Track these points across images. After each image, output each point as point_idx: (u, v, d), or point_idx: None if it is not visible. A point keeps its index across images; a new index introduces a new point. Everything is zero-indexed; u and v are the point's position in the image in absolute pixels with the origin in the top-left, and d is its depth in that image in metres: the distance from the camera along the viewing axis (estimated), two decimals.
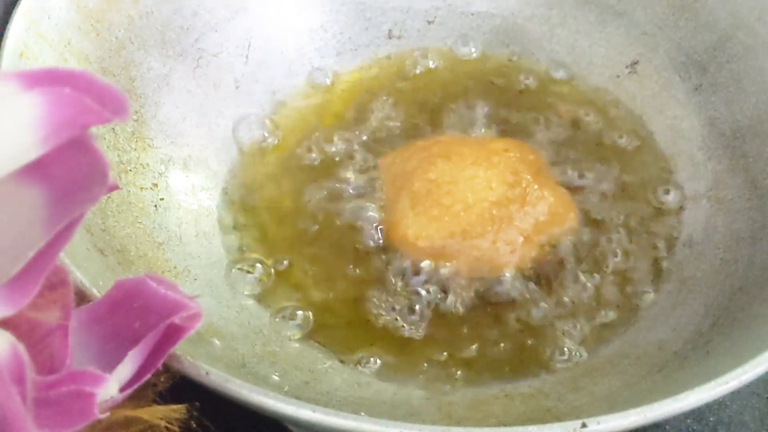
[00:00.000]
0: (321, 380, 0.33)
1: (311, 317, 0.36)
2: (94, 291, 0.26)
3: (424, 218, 0.38)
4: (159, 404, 0.25)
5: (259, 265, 0.38)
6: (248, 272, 0.38)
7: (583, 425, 0.23)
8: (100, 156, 0.21)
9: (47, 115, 0.20)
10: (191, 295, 0.23)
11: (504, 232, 0.37)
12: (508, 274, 0.37)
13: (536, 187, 0.38)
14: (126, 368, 0.24)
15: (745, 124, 0.40)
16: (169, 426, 0.25)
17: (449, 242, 0.37)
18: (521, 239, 0.37)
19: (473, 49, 0.47)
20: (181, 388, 0.25)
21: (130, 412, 0.25)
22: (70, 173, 0.21)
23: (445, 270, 0.37)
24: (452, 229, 0.37)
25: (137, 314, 0.24)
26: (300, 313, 0.36)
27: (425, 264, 0.37)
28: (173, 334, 0.24)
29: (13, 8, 0.34)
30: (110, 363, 0.24)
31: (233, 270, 0.38)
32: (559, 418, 0.30)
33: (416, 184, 0.39)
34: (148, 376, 0.24)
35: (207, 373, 0.25)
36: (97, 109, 0.20)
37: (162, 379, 0.26)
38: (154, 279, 0.24)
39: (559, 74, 0.46)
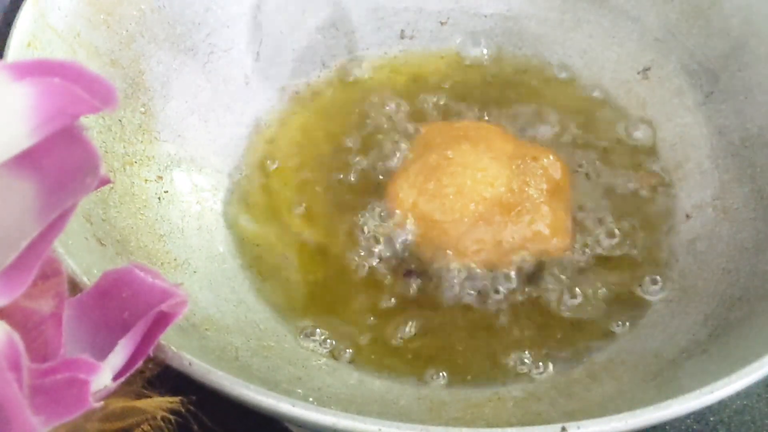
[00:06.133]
0: (313, 377, 0.33)
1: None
2: (85, 280, 0.26)
3: (416, 185, 0.39)
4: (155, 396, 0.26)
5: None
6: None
7: (563, 429, 0.23)
8: (90, 146, 0.21)
9: (37, 105, 0.20)
10: (176, 283, 0.23)
11: (477, 229, 0.37)
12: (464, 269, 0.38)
13: (534, 203, 0.38)
14: (118, 357, 0.24)
15: (754, 133, 0.39)
16: (165, 416, 0.25)
17: (428, 216, 0.38)
18: (492, 243, 0.37)
19: (485, 51, 0.47)
20: (182, 387, 0.26)
21: (125, 403, 0.25)
22: (62, 163, 0.21)
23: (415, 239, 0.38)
24: (435, 205, 0.38)
25: (126, 303, 0.24)
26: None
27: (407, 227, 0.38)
28: (161, 321, 0.24)
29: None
30: (102, 352, 0.24)
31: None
32: (548, 422, 0.29)
33: (432, 155, 0.40)
34: (139, 363, 0.24)
35: (190, 364, 0.25)
36: (86, 98, 0.21)
37: (150, 366, 0.26)
38: (140, 268, 0.24)
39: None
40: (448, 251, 0.38)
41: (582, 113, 0.45)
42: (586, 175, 0.41)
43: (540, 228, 0.38)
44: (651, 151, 0.42)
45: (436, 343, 0.36)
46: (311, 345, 0.35)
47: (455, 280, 0.37)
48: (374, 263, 0.38)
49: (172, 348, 0.25)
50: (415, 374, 0.35)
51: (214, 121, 0.42)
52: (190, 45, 0.42)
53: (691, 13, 0.43)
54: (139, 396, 0.25)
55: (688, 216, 0.39)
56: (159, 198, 0.37)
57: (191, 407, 0.25)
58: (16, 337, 0.21)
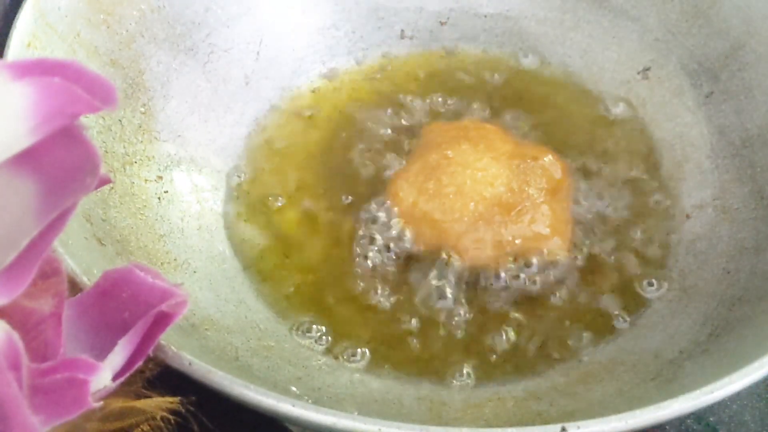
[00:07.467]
0: (314, 376, 0.33)
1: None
2: (85, 279, 0.26)
3: (416, 185, 0.39)
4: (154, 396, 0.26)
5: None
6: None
7: (563, 429, 0.23)
8: (90, 146, 0.21)
9: (37, 105, 0.20)
10: (176, 283, 0.23)
11: (477, 228, 0.37)
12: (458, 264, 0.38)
13: (534, 202, 0.38)
14: (118, 357, 0.24)
15: (754, 133, 0.39)
16: (165, 417, 0.25)
17: (428, 215, 0.38)
18: (492, 242, 0.37)
19: (485, 51, 0.47)
20: (181, 387, 0.26)
21: (125, 403, 0.25)
22: (61, 163, 0.21)
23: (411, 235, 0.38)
24: (435, 205, 0.38)
25: (126, 303, 0.24)
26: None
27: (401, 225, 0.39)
28: (161, 321, 0.24)
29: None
30: (101, 352, 0.24)
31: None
32: (548, 422, 0.29)
33: (432, 155, 0.40)
34: (139, 363, 0.24)
35: (190, 364, 0.25)
36: (86, 98, 0.21)
37: (150, 366, 0.26)
38: (140, 268, 0.24)
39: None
40: (447, 250, 0.38)
41: (582, 113, 0.45)
42: (586, 174, 0.41)
43: (540, 227, 0.38)
44: (651, 151, 0.42)
45: (436, 343, 0.36)
46: (311, 345, 0.35)
47: (454, 279, 0.37)
48: (374, 263, 0.38)
49: (172, 348, 0.25)
50: (415, 374, 0.35)
51: (214, 121, 0.42)
52: (190, 45, 0.42)
53: (691, 13, 0.43)
54: (139, 396, 0.25)
55: (688, 216, 0.39)
56: (159, 198, 0.37)
57: (191, 407, 0.25)
58: (16, 336, 0.21)
